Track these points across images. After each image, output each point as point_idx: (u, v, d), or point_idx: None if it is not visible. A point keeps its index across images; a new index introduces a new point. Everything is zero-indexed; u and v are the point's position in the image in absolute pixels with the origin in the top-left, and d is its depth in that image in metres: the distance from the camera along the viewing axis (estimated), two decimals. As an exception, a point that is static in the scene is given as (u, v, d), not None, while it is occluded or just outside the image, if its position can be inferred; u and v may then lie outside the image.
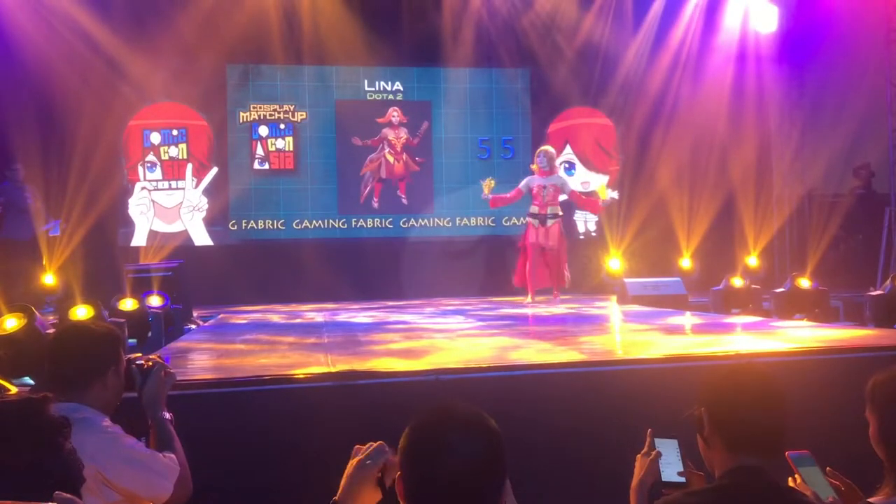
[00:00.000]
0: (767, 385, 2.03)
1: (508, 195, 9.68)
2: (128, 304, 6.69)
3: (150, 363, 2.62)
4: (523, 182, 9.67)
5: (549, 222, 9.41)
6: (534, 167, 9.62)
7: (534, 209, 9.50)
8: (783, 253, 11.86)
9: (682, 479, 2.19)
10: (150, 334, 6.43)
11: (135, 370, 2.58)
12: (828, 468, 2.19)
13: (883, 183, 11.09)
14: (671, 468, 2.22)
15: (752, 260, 11.11)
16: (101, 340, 2.50)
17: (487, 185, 9.46)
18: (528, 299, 9.31)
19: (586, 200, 10.58)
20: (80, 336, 2.53)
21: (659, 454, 2.22)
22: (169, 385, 2.66)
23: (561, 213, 9.59)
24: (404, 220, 11.82)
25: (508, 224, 11.78)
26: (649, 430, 2.30)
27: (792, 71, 11.71)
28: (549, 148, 9.81)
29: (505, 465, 1.56)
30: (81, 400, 2.37)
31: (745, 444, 1.96)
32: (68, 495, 1.12)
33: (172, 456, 2.47)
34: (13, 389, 3.93)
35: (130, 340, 6.01)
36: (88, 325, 2.85)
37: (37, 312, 5.10)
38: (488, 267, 11.50)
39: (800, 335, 5.69)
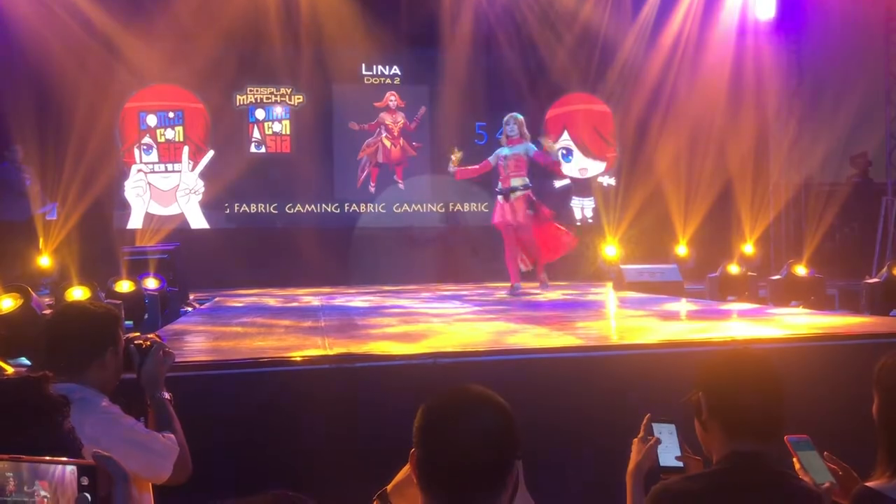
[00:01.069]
0: (765, 370, 2.04)
1: (476, 166, 8.86)
2: (124, 285, 6.69)
3: (149, 343, 2.59)
4: (493, 154, 8.83)
5: (513, 196, 8.43)
6: (502, 140, 8.78)
7: (498, 185, 8.66)
8: (779, 241, 11.88)
9: (680, 464, 2.19)
10: (146, 316, 6.42)
11: (133, 350, 2.55)
12: (825, 452, 2.20)
13: (880, 172, 11.11)
14: (669, 453, 2.22)
15: (748, 248, 11.12)
16: (100, 320, 2.48)
17: (456, 156, 8.66)
18: (514, 288, 8.51)
19: (547, 162, 9.15)
20: (79, 316, 2.51)
21: (657, 439, 2.22)
22: (168, 365, 2.64)
23: (527, 185, 8.55)
24: (401, 204, 11.80)
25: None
26: (647, 415, 2.31)
27: (790, 59, 11.69)
28: (517, 115, 8.78)
29: (515, 443, 1.57)
30: (80, 380, 2.35)
31: (742, 429, 1.97)
32: (106, 453, 1.14)
33: (172, 436, 2.46)
34: (9, 370, 3.93)
35: (126, 322, 5.99)
36: (86, 305, 2.83)
37: (33, 293, 5.09)
38: (485, 253, 11.50)
39: (796, 322, 5.70)
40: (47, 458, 1.15)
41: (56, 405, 1.68)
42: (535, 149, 8.63)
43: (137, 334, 2.72)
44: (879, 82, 10.59)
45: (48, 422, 1.64)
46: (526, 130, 8.70)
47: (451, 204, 11.87)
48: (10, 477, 1.13)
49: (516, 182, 8.46)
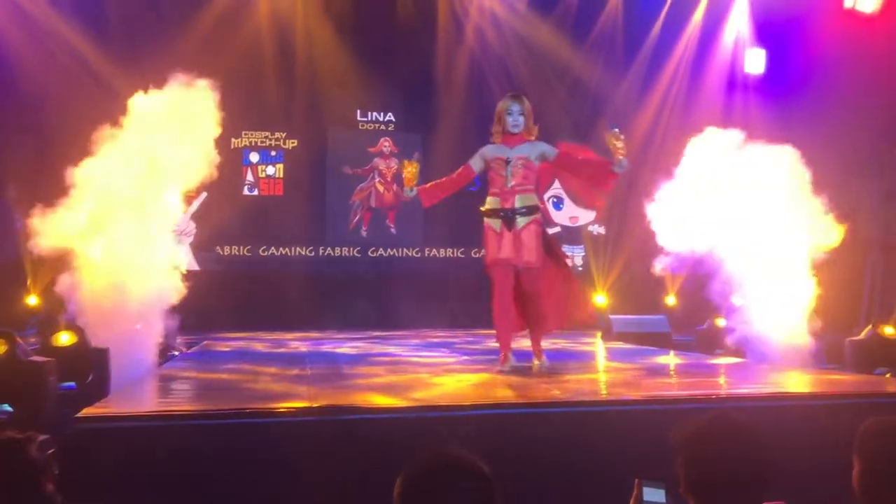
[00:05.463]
0: (745, 443, 2.02)
1: (448, 178, 6.03)
2: (63, 338, 5.76)
3: None
4: (476, 156, 5.89)
5: (521, 221, 5.69)
6: (495, 137, 5.85)
7: (492, 201, 5.77)
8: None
9: None
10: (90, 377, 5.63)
11: None
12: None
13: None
14: None
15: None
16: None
17: (410, 172, 5.69)
18: (505, 363, 5.71)
19: (593, 170, 6.06)
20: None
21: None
22: None
23: (537, 207, 5.77)
24: (392, 249, 11.83)
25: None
26: (636, 479, 2.28)
27: (779, 113, 11.84)
28: (520, 95, 5.95)
29: None
30: None
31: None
32: None
33: None
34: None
35: (67, 384, 5.50)
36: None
37: (19, 339, 5.06)
38: (477, 298, 11.49)
39: (781, 380, 5.71)
40: None
41: (39, 468, 1.69)
42: (555, 152, 5.86)
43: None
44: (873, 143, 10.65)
45: (30, 484, 1.65)
46: (532, 123, 5.82)
47: (444, 249, 11.89)
48: None
49: (524, 201, 5.73)
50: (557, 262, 6.01)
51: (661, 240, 7.90)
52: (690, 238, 7.65)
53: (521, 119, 5.76)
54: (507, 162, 5.71)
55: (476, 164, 5.87)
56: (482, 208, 5.87)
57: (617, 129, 5.62)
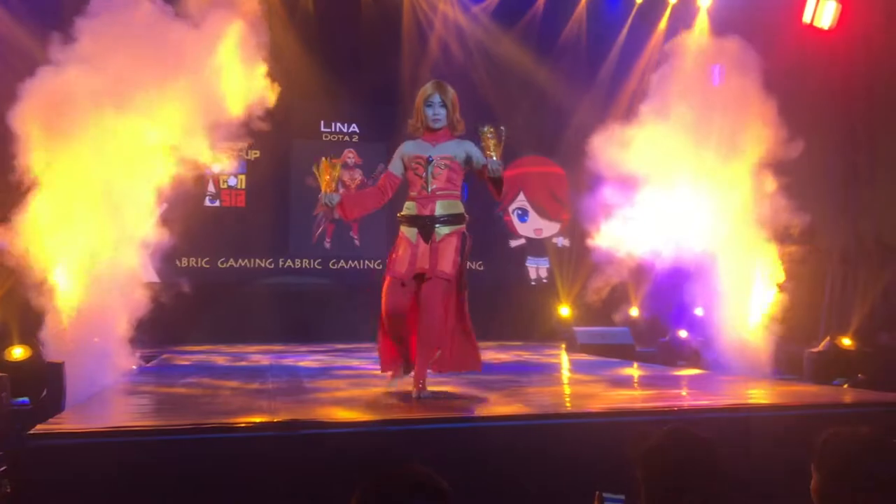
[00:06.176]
0: (702, 452, 2.04)
1: (371, 189, 5.30)
2: (16, 352, 5.59)
3: None
4: (395, 158, 5.13)
5: (441, 231, 4.97)
6: (413, 132, 5.10)
7: (410, 206, 5.04)
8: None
9: None
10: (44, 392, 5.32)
11: None
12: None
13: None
14: None
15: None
16: None
17: (326, 175, 5.03)
18: (391, 381, 5.26)
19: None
20: None
21: None
22: None
23: (461, 215, 5.09)
24: (355, 261, 11.78)
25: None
26: (597, 492, 2.29)
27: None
28: (442, 83, 5.13)
29: None
30: None
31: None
32: None
33: None
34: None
35: (20, 399, 5.35)
36: None
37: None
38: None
39: (741, 391, 5.77)
40: None
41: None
42: (483, 162, 4.89)
43: None
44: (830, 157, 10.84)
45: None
46: (458, 116, 5.06)
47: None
48: None
49: (446, 208, 5.00)
50: (460, 309, 5.13)
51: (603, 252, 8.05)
52: (632, 246, 7.78)
53: (443, 112, 4.96)
54: (429, 162, 4.92)
55: (397, 167, 5.07)
56: (399, 214, 5.10)
57: (493, 127, 4.76)
